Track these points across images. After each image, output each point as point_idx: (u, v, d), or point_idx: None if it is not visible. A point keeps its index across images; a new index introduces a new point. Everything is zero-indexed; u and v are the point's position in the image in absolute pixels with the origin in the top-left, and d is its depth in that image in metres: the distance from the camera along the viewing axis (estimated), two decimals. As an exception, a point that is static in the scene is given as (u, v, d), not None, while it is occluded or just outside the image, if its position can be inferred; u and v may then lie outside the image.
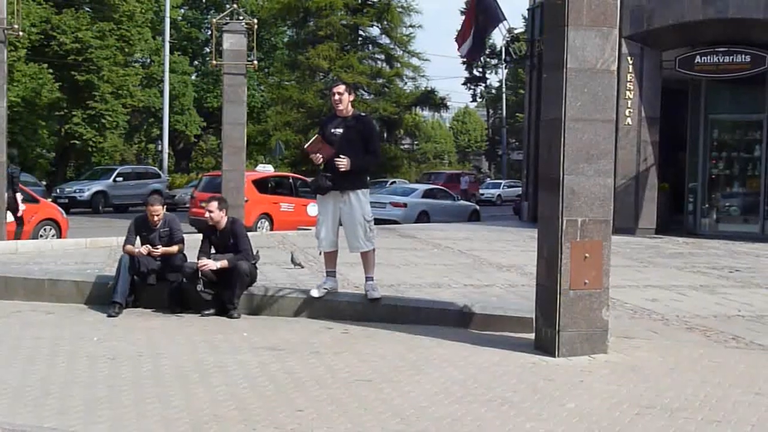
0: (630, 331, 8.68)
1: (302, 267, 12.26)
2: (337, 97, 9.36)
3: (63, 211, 20.17)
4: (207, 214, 9.86)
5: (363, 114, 9.96)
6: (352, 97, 9.48)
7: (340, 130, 9.27)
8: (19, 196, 17.29)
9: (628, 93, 20.09)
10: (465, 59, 43.81)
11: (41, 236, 18.15)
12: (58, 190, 35.93)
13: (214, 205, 9.88)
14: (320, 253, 9.91)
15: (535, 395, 6.45)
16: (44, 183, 37.92)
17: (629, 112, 20.21)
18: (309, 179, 24.46)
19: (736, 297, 11.11)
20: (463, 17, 36.34)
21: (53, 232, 18.70)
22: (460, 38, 29.82)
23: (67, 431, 5.53)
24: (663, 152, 21.02)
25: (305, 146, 9.45)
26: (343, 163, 9.08)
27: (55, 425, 5.60)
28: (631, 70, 20.05)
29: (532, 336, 8.16)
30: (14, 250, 14.05)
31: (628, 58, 19.93)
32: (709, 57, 20.17)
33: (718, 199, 21.53)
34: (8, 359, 7.44)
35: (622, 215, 19.07)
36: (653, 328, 8.94)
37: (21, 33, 18.93)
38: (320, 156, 9.19)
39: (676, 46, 20.55)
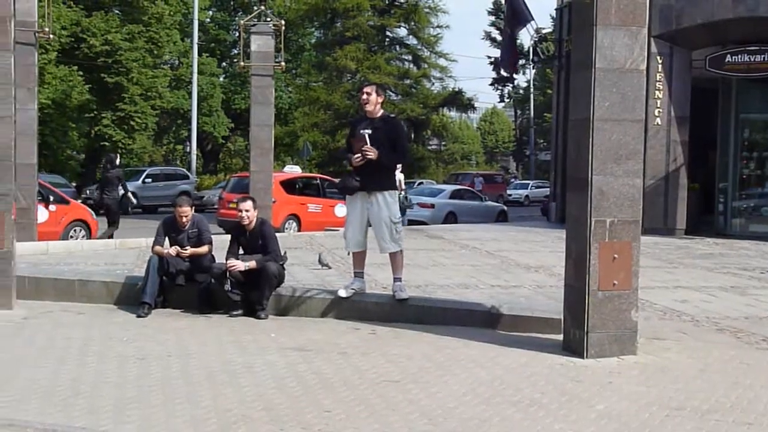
0: (659, 332, 8.63)
1: (329, 268, 12.27)
2: (365, 96, 9.38)
3: (93, 213, 20.29)
4: (243, 213, 9.83)
5: (391, 115, 9.96)
6: (381, 99, 9.47)
7: (368, 131, 9.27)
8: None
9: (657, 93, 19.96)
10: (510, 71, 43.28)
11: (71, 237, 18.29)
12: (87, 192, 36.15)
13: (249, 204, 9.91)
14: (348, 254, 9.92)
15: (563, 396, 6.42)
16: (74, 184, 38.17)
17: (658, 111, 20.07)
18: (336, 180, 24.53)
19: (767, 298, 11.02)
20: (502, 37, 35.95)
21: (83, 232, 18.84)
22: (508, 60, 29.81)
23: (96, 431, 5.57)
24: (693, 152, 20.86)
25: (359, 151, 9.26)
26: (371, 152, 9.05)
27: (85, 425, 5.64)
28: (660, 70, 19.92)
29: (560, 337, 8.12)
30: (45, 250, 14.17)
31: (658, 57, 19.79)
32: (739, 56, 20.00)
33: (749, 199, 21.34)
34: (39, 359, 7.49)
35: (651, 216, 18.95)
36: (683, 330, 8.88)
37: (51, 36, 19.08)
38: (360, 156, 9.13)
39: (706, 45, 20.39)
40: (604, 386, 6.73)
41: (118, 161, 19.93)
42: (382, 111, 9.51)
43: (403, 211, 24.18)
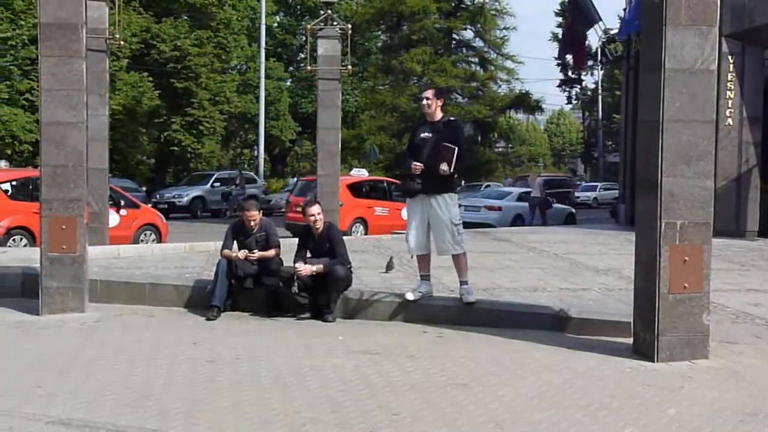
0: (732, 336, 8.47)
1: (393, 269, 12.23)
2: (424, 102, 9.51)
3: (162, 216, 20.58)
4: (316, 216, 9.86)
5: (452, 118, 9.96)
6: (440, 102, 9.52)
7: (428, 135, 9.33)
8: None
9: (728, 93, 19.60)
10: (577, 68, 42.81)
11: (142, 241, 18.57)
12: (157, 196, 36.75)
13: (318, 208, 9.96)
14: (411, 257, 9.93)
15: (633, 401, 6.34)
16: (144, 189, 38.79)
17: (730, 112, 19.72)
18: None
19: (844, 301, 10.75)
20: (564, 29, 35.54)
21: (153, 236, 19.11)
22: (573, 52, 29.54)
23: (167, 432, 5.64)
24: (765, 153, 20.46)
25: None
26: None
27: (155, 426, 5.72)
28: (731, 69, 19.56)
29: (629, 340, 8.03)
30: (116, 254, 14.38)
31: (729, 56, 19.44)
32: (814, 54, 19.57)
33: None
34: (111, 361, 7.62)
35: (722, 218, 18.58)
36: (756, 333, 8.71)
37: (122, 43, 19.38)
38: (419, 166, 9.20)
39: (779, 43, 20.00)
40: (675, 390, 6.63)
41: None
42: (442, 114, 9.54)
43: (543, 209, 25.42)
